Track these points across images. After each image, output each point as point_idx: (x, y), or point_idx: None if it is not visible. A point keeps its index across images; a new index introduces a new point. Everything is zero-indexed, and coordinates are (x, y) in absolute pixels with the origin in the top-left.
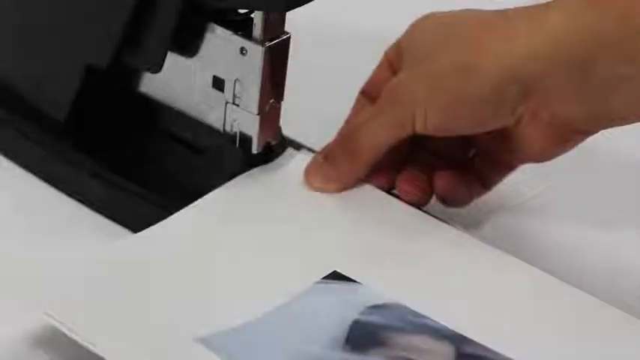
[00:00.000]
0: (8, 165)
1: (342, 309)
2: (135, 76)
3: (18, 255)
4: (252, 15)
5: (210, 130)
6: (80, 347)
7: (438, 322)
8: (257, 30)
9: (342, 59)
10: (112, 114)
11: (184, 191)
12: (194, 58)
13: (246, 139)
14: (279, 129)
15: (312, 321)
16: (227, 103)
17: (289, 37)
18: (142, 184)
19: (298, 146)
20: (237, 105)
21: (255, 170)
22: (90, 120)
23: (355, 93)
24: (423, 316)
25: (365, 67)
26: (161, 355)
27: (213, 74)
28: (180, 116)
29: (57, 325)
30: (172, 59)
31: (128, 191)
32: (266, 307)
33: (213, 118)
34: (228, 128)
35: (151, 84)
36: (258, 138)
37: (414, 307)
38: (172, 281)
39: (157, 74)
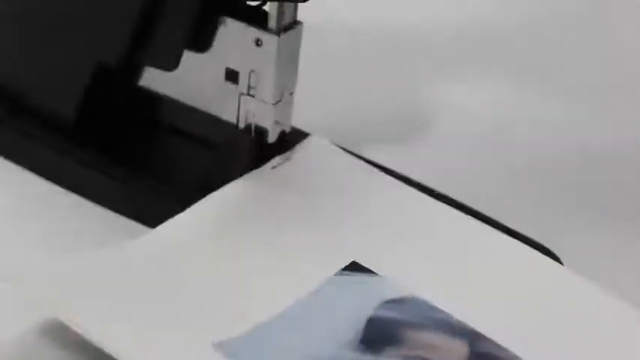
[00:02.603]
0: (10, 166)
1: (357, 305)
2: (143, 72)
3: (32, 255)
4: (264, 6)
5: (222, 123)
6: (94, 350)
7: (453, 318)
8: (272, 20)
9: (344, 51)
10: (120, 111)
11: (200, 185)
12: (205, 52)
13: (261, 130)
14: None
15: (327, 320)
16: (241, 94)
17: (302, 27)
18: (157, 180)
19: (304, 135)
20: (252, 96)
21: (273, 161)
22: (98, 118)
23: (360, 83)
24: (440, 311)
25: (370, 57)
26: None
27: (226, 67)
28: (191, 111)
29: (71, 326)
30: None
31: (145, 186)
32: (282, 306)
33: (227, 110)
34: (242, 120)
35: (159, 79)
36: (274, 128)
37: (430, 301)
38: (188, 280)
39: None
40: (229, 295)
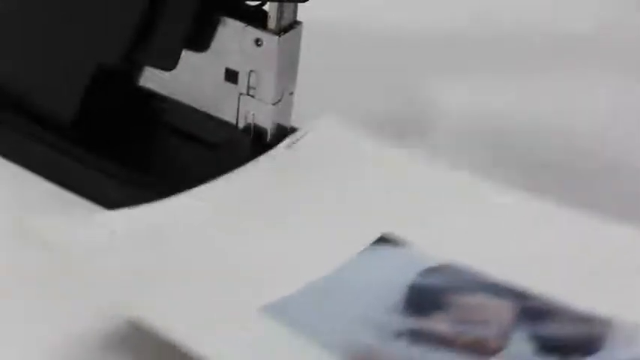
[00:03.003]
0: (10, 166)
1: (396, 274)
2: (141, 72)
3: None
4: (264, 6)
5: (221, 123)
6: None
7: (497, 278)
8: (272, 21)
9: (344, 51)
10: (119, 111)
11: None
12: (204, 52)
13: (261, 130)
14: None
15: (368, 287)
16: (241, 94)
17: (302, 27)
18: (157, 180)
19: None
20: (252, 96)
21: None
22: (98, 118)
23: (360, 83)
24: (480, 274)
25: (370, 57)
26: (225, 328)
27: (226, 67)
28: (190, 111)
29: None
30: (181, 55)
31: (144, 186)
32: (321, 273)
33: (226, 110)
34: (241, 120)
35: (157, 79)
36: (274, 128)
37: (469, 266)
38: (225, 246)
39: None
40: (271, 260)
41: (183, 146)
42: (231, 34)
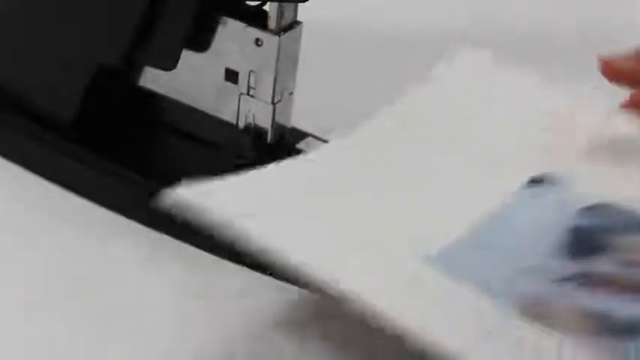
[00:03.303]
0: (10, 166)
1: (554, 215)
2: (141, 72)
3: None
4: (264, 6)
5: (221, 123)
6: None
7: None
8: (272, 21)
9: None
10: (119, 111)
11: None
12: (205, 52)
13: (261, 130)
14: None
15: (529, 230)
16: (241, 94)
17: (302, 27)
18: (156, 180)
19: (304, 135)
20: (252, 96)
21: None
22: (98, 118)
23: (360, 83)
24: None
25: (370, 57)
26: (390, 280)
27: (225, 67)
28: (190, 111)
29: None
30: (182, 55)
31: (144, 187)
32: (477, 218)
33: (226, 110)
34: (242, 120)
35: (157, 80)
36: (274, 128)
37: (628, 205)
38: (378, 194)
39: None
40: (426, 208)
41: (183, 146)
42: (232, 34)
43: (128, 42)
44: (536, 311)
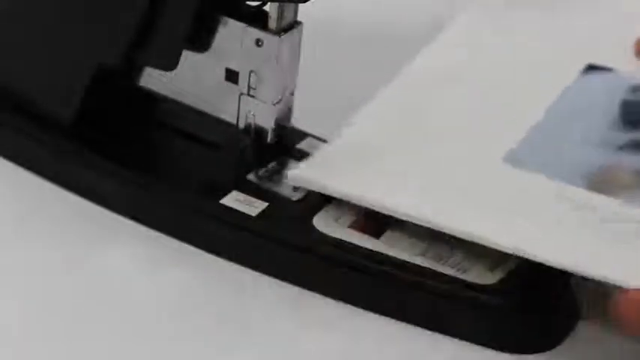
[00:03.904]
0: (10, 166)
1: (609, 95)
2: (141, 72)
3: (34, 256)
4: (264, 7)
5: (221, 123)
6: None
7: None
8: (272, 21)
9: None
10: (119, 111)
11: (200, 186)
12: (205, 52)
13: (261, 130)
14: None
15: (588, 111)
16: (241, 94)
17: (302, 27)
18: (156, 180)
19: (304, 135)
20: (253, 96)
21: None
22: (98, 118)
23: (361, 83)
24: None
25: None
26: (474, 179)
27: (226, 67)
28: (191, 111)
29: None
30: (182, 55)
31: (144, 187)
32: (542, 109)
33: (226, 110)
34: (242, 120)
35: (157, 80)
36: (274, 128)
37: None
38: (450, 102)
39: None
40: (493, 110)
41: (183, 146)
42: (232, 34)
43: (128, 42)
44: (600, 179)
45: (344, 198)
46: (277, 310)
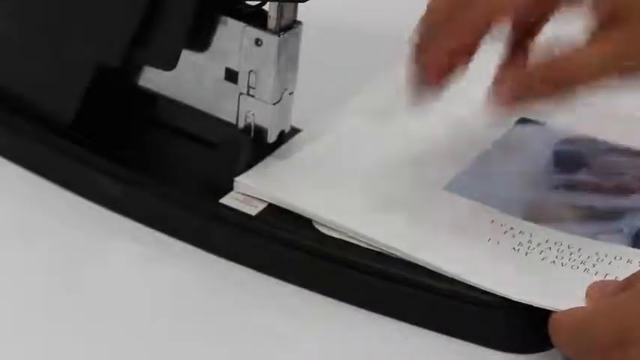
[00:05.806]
0: (10, 166)
1: (541, 143)
2: (141, 72)
3: (34, 256)
4: (264, 6)
5: (221, 122)
6: None
7: (630, 145)
8: (272, 21)
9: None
10: (119, 110)
11: (200, 186)
12: (205, 52)
13: (261, 130)
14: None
15: (523, 152)
16: (241, 94)
17: (302, 27)
18: (156, 179)
19: None
20: (252, 96)
21: None
22: (97, 117)
23: (360, 83)
24: (616, 144)
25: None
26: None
27: (225, 66)
28: (190, 111)
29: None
30: (182, 54)
31: (144, 186)
32: (482, 148)
33: (226, 110)
34: (241, 120)
35: (157, 79)
36: (273, 127)
37: (605, 139)
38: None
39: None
40: (434, 146)
41: (183, 146)
42: (231, 33)
43: (128, 42)
44: (535, 212)
45: (289, 208)
46: (277, 310)
